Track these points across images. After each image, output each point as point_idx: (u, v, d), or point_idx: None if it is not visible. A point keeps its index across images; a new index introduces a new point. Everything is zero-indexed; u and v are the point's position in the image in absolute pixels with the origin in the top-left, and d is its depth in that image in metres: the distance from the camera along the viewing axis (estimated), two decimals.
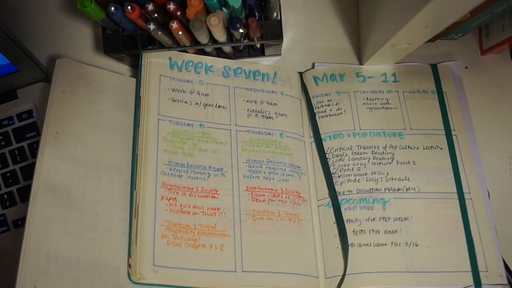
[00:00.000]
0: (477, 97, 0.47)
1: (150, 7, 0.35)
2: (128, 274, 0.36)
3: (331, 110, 0.44)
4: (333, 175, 0.42)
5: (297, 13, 0.48)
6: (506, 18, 0.43)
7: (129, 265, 0.36)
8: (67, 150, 0.38)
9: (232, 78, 0.44)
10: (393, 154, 0.42)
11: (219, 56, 0.47)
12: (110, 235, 0.37)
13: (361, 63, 0.47)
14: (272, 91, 0.44)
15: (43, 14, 0.48)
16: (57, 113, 0.39)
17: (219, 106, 0.43)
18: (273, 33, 0.40)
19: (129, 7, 0.35)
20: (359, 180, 0.42)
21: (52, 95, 0.39)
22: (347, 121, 0.43)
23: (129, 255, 0.37)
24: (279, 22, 0.40)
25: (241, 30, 0.38)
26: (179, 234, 0.37)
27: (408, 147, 0.43)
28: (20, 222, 0.45)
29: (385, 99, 0.44)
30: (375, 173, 0.42)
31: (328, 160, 0.42)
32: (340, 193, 0.41)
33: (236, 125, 0.42)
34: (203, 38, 0.39)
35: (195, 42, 0.40)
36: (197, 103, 0.42)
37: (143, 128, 0.40)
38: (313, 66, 0.46)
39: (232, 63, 0.44)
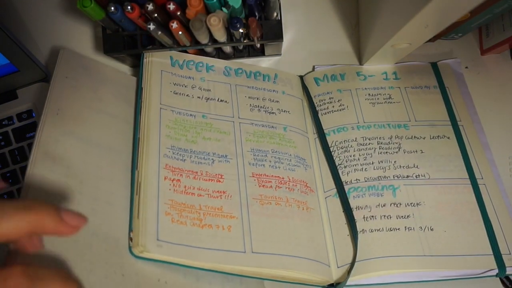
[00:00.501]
0: (477, 97, 0.47)
1: (150, 7, 0.35)
2: (130, 248, 0.34)
3: (333, 106, 0.44)
4: (339, 166, 0.42)
5: (297, 13, 0.48)
6: (506, 18, 0.43)
7: (131, 239, 0.34)
8: (68, 126, 0.37)
9: (233, 77, 0.44)
10: (400, 144, 0.42)
11: (219, 56, 0.47)
12: (110, 209, 0.35)
13: (361, 63, 0.47)
14: (274, 90, 0.44)
15: (43, 14, 0.48)
16: (59, 94, 0.38)
17: (221, 100, 0.42)
18: (273, 33, 0.40)
19: (129, 7, 0.35)
20: (366, 169, 0.41)
21: (55, 78, 0.38)
22: (350, 116, 0.43)
23: (131, 229, 0.35)
24: (279, 22, 0.40)
25: (241, 30, 0.38)
26: (184, 213, 0.36)
27: (415, 137, 0.43)
28: None
29: (387, 94, 0.44)
30: (382, 162, 0.42)
31: (333, 153, 0.42)
32: (348, 182, 0.41)
33: (239, 117, 0.42)
34: (203, 38, 0.39)
35: (195, 42, 0.40)
36: (199, 97, 0.42)
37: (145, 115, 0.39)
38: (313, 69, 0.47)
39: (232, 64, 0.44)
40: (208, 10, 0.37)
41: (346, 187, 0.41)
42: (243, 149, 0.41)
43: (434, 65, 0.46)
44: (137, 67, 0.47)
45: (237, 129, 0.41)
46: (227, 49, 0.45)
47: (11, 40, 0.40)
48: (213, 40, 0.40)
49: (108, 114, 0.40)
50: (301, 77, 0.46)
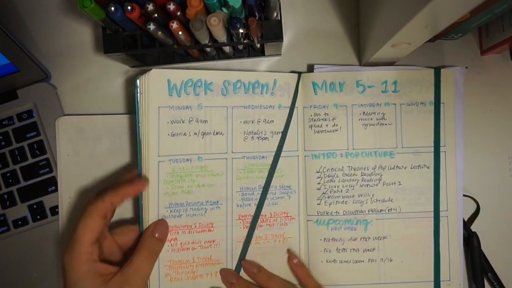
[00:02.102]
0: (477, 97, 0.47)
1: (150, 7, 0.35)
2: None
3: (327, 125, 0.44)
4: (323, 195, 0.43)
5: (297, 13, 0.48)
6: (506, 18, 0.43)
7: None
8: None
9: (231, 95, 0.43)
10: (381, 176, 0.44)
11: (219, 56, 0.47)
12: None
13: (361, 64, 0.47)
14: (270, 106, 0.44)
15: (43, 14, 0.48)
16: (66, 176, 0.45)
17: (216, 133, 0.43)
18: (273, 33, 0.40)
19: (129, 7, 0.35)
20: (346, 202, 0.43)
21: (60, 160, 0.45)
22: (342, 140, 0.44)
23: None
24: (279, 22, 0.40)
25: (241, 30, 0.38)
26: (180, 270, 0.41)
27: (397, 167, 0.44)
28: (20, 222, 0.45)
29: (382, 113, 0.44)
30: (361, 195, 0.44)
31: (319, 179, 0.43)
32: (328, 213, 0.43)
33: (232, 152, 0.43)
34: (203, 38, 0.39)
35: (195, 42, 0.40)
36: (195, 133, 0.42)
37: (146, 175, 0.41)
38: (312, 69, 0.46)
39: (232, 76, 0.43)
40: (208, 10, 0.37)
41: (326, 218, 0.43)
42: (233, 191, 0.43)
43: (437, 72, 0.45)
44: (137, 67, 0.47)
45: (230, 167, 0.43)
46: (227, 49, 0.45)
47: (11, 40, 0.40)
48: (213, 40, 0.40)
49: (106, 178, 0.45)
50: (299, 75, 0.45)
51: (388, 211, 0.43)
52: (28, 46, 0.45)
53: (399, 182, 0.44)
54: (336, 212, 0.43)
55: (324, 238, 0.43)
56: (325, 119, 0.44)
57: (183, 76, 0.42)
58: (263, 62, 0.48)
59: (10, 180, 0.45)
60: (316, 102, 0.44)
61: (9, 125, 0.46)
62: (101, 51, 0.43)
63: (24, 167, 0.45)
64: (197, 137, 0.42)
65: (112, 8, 0.35)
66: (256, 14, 0.38)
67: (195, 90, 0.42)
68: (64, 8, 0.48)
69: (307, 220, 0.43)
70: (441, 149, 0.44)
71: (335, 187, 0.43)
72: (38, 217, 0.45)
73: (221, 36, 0.38)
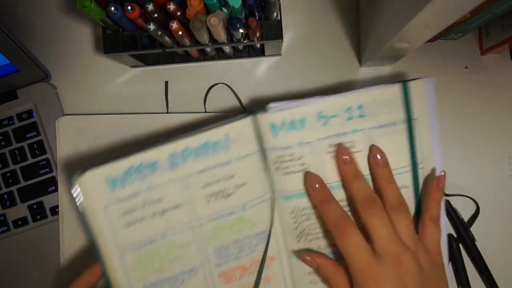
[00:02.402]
0: (477, 97, 0.47)
1: (150, 7, 0.35)
2: None
3: (294, 166, 0.40)
4: (301, 233, 0.41)
5: (297, 13, 0.48)
6: (506, 18, 0.43)
7: None
8: None
9: (181, 166, 0.39)
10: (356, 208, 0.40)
11: (219, 56, 0.47)
12: None
13: (360, 64, 0.47)
14: (227, 161, 0.40)
15: (43, 14, 0.48)
16: (66, 177, 0.45)
17: (176, 207, 0.39)
18: (273, 33, 0.40)
19: (129, 7, 0.35)
20: (327, 235, 0.41)
21: (60, 160, 0.45)
22: None
23: None
24: (279, 22, 0.40)
25: (241, 30, 0.38)
26: None
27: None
28: (20, 222, 0.45)
29: (350, 142, 0.40)
30: None
31: (294, 219, 0.41)
32: (310, 249, 0.41)
33: (197, 219, 0.40)
34: (203, 39, 0.39)
35: (195, 42, 0.40)
36: (153, 215, 0.39)
37: (109, 270, 0.38)
38: (267, 108, 0.40)
39: (177, 146, 0.39)
40: (208, 10, 0.37)
41: None
42: (207, 254, 0.40)
43: (405, 87, 0.39)
44: (137, 67, 0.47)
45: (198, 234, 0.40)
46: (227, 49, 0.45)
47: (11, 40, 0.40)
48: (213, 40, 0.40)
49: None
50: (255, 116, 0.40)
51: (367, 241, 0.41)
52: (28, 46, 0.45)
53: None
54: (318, 246, 0.41)
55: (309, 272, 0.41)
56: (291, 160, 0.40)
57: (122, 167, 0.38)
58: (263, 62, 0.48)
59: (10, 180, 0.45)
60: (278, 144, 0.39)
61: (9, 125, 0.46)
62: (101, 51, 0.43)
63: (24, 167, 0.45)
64: (155, 218, 0.39)
65: (112, 8, 0.35)
66: (256, 14, 0.38)
67: (140, 174, 0.38)
68: (64, 8, 0.48)
69: (288, 257, 0.41)
70: (419, 166, 0.40)
71: (312, 224, 0.41)
72: (38, 217, 0.45)
73: (221, 36, 0.38)
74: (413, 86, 0.39)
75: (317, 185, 0.38)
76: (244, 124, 0.40)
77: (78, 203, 0.37)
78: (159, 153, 0.38)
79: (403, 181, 0.40)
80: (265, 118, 0.39)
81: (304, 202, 0.40)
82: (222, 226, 0.40)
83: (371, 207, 0.36)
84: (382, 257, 0.34)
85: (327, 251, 0.41)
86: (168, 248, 0.40)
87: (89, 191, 0.37)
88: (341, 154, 0.39)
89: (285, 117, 0.39)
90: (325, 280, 0.39)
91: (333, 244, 0.40)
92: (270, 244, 0.41)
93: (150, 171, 0.38)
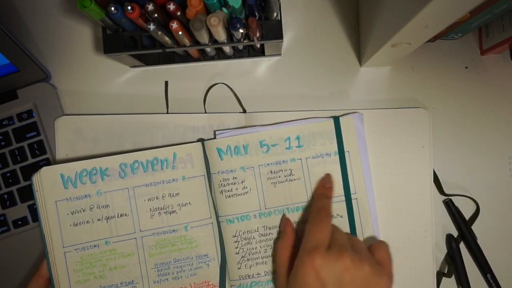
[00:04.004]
0: (477, 97, 0.47)
1: (150, 7, 0.35)
2: None
3: (236, 189, 0.43)
4: (242, 258, 0.43)
5: (297, 13, 0.48)
6: (506, 18, 0.43)
7: None
8: None
9: (129, 176, 0.43)
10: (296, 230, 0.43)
11: (219, 56, 0.47)
12: None
13: (361, 64, 0.47)
14: (173, 179, 0.43)
15: (43, 14, 0.48)
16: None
17: (121, 215, 0.43)
18: (273, 33, 0.40)
19: (129, 7, 0.35)
20: (266, 262, 0.43)
21: (59, 160, 0.45)
22: (253, 201, 0.43)
23: None
24: (279, 22, 0.40)
25: (241, 30, 0.38)
26: None
27: None
28: (20, 222, 0.45)
29: (289, 170, 0.43)
30: None
31: (236, 243, 0.43)
32: (250, 276, 0.43)
33: (140, 231, 0.43)
34: (203, 38, 0.39)
35: (195, 42, 0.40)
36: (99, 219, 0.43)
37: (54, 266, 0.42)
38: (214, 135, 0.44)
39: (128, 158, 0.43)
40: (208, 10, 0.37)
41: (249, 281, 0.43)
42: (147, 268, 0.43)
43: (336, 122, 0.44)
44: (137, 67, 0.47)
45: (140, 246, 0.43)
46: (227, 49, 0.45)
47: (12, 40, 0.40)
48: (213, 40, 0.40)
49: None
50: (203, 143, 0.44)
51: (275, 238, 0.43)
52: (28, 46, 0.45)
53: None
54: (258, 273, 0.43)
55: None
56: (234, 183, 0.43)
57: (76, 168, 0.43)
58: (263, 62, 0.48)
59: (10, 180, 0.45)
60: (223, 168, 0.43)
61: (9, 125, 0.46)
62: (101, 51, 0.43)
63: (24, 167, 0.45)
64: (101, 222, 0.43)
65: (112, 8, 0.35)
66: (256, 14, 0.38)
67: (91, 178, 0.43)
68: (64, 8, 0.48)
69: (231, 286, 0.43)
70: (352, 196, 0.43)
71: (253, 249, 0.43)
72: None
73: (221, 36, 0.38)
74: (343, 121, 0.44)
75: (327, 185, 0.43)
76: (192, 147, 0.44)
77: (35, 196, 0.42)
78: (112, 162, 0.43)
79: (338, 210, 0.43)
80: (212, 143, 0.44)
81: (246, 225, 0.43)
82: (164, 242, 0.43)
83: (320, 214, 0.40)
84: (331, 249, 0.36)
85: (266, 278, 0.43)
86: (110, 256, 0.43)
87: (44, 184, 0.42)
88: (326, 182, 0.43)
89: (231, 143, 0.44)
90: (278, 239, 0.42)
91: (272, 271, 0.43)
92: (211, 272, 0.43)
93: (101, 177, 0.43)
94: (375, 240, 0.41)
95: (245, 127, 0.45)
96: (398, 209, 0.45)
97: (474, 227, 0.46)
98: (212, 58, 0.47)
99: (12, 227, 0.45)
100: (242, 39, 0.40)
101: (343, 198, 0.43)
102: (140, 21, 0.37)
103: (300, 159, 0.44)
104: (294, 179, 0.44)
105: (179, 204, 0.43)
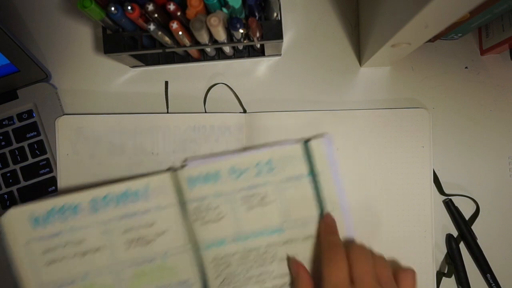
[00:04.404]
0: (477, 97, 0.47)
1: (150, 7, 0.35)
2: None
3: (211, 215, 0.43)
4: (222, 283, 0.43)
5: (297, 13, 0.48)
6: (506, 18, 0.43)
7: None
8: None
9: (102, 211, 0.43)
10: (275, 252, 0.43)
11: (219, 56, 0.47)
12: None
13: (360, 64, 0.47)
14: (147, 210, 0.43)
15: (43, 14, 0.48)
16: (66, 176, 0.45)
17: (97, 250, 0.42)
18: (273, 33, 0.40)
19: (129, 7, 0.35)
20: (247, 284, 0.43)
21: (59, 159, 0.45)
22: (228, 227, 0.43)
23: None
24: (279, 22, 0.40)
25: (241, 31, 0.38)
26: None
27: (289, 240, 0.43)
28: None
29: (262, 194, 0.44)
30: (261, 275, 0.43)
31: (215, 270, 0.43)
32: None
33: (118, 263, 0.42)
34: (203, 38, 0.39)
35: (195, 42, 0.40)
36: (74, 255, 0.42)
37: None
38: (185, 162, 0.45)
39: (98, 192, 0.42)
40: (208, 11, 0.37)
41: None
42: None
43: (306, 146, 0.44)
44: (137, 67, 0.47)
45: (118, 278, 0.42)
46: (227, 49, 0.45)
47: (12, 40, 0.40)
48: (213, 40, 0.40)
49: (105, 176, 0.45)
50: (174, 173, 0.43)
51: (289, 285, 0.43)
52: (28, 46, 0.45)
53: (296, 254, 0.43)
54: None
55: None
56: (207, 210, 0.43)
57: (46, 206, 0.42)
58: (263, 62, 0.48)
59: (10, 180, 0.45)
60: (195, 196, 0.43)
61: (9, 125, 0.46)
62: (101, 51, 0.43)
63: (24, 167, 0.45)
64: (76, 258, 0.42)
65: (112, 8, 0.35)
66: (256, 14, 0.38)
67: (62, 215, 0.42)
68: (64, 8, 0.48)
69: None
70: None
71: (233, 272, 0.43)
72: None
73: (221, 36, 0.38)
74: (313, 144, 0.44)
75: (330, 222, 0.43)
76: (163, 177, 0.43)
77: (6, 240, 0.41)
78: (82, 197, 0.42)
79: (312, 230, 0.43)
80: (183, 173, 0.43)
81: (224, 250, 0.43)
82: (143, 273, 0.43)
83: (358, 246, 0.40)
84: (356, 286, 0.36)
85: None
86: None
87: (12, 227, 0.41)
88: (327, 220, 0.43)
89: (201, 171, 0.43)
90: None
91: None
92: None
93: (72, 213, 0.42)
94: (402, 267, 0.40)
95: (216, 155, 0.45)
96: (398, 209, 0.45)
97: (474, 227, 0.46)
98: (212, 58, 0.47)
99: None
100: (242, 39, 0.40)
101: (317, 218, 0.43)
102: (140, 21, 0.37)
103: (272, 183, 0.44)
104: (268, 203, 0.43)
105: (155, 233, 0.43)
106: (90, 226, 0.42)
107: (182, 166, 0.44)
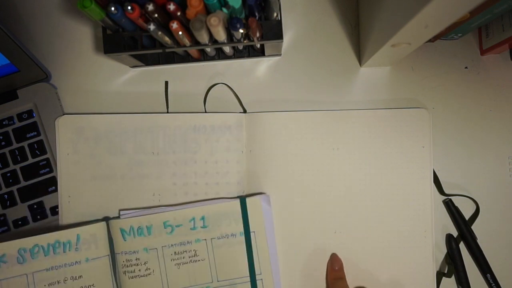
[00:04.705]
0: (477, 97, 0.47)
1: (150, 7, 0.35)
2: None
3: (139, 270, 0.43)
4: None
5: (297, 13, 0.48)
6: (506, 18, 0.43)
7: None
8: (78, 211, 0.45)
9: (29, 262, 0.42)
10: None
11: (219, 56, 0.47)
12: None
13: (360, 64, 0.47)
14: (76, 262, 0.43)
15: (43, 14, 0.48)
16: (66, 176, 0.45)
17: None
18: (273, 33, 0.40)
19: (129, 7, 0.35)
20: None
21: (59, 159, 0.45)
22: (156, 283, 0.43)
23: None
24: (279, 22, 0.40)
25: (241, 31, 0.38)
26: None
27: None
28: (20, 222, 0.45)
29: (193, 250, 0.44)
30: None
31: None
32: None
33: None
34: (203, 38, 0.39)
35: (195, 42, 0.40)
36: None
37: None
38: (119, 214, 0.44)
39: (27, 242, 0.42)
40: (208, 11, 0.37)
41: None
42: None
43: (243, 202, 0.44)
44: (136, 67, 0.47)
45: None
46: (227, 49, 0.45)
47: (12, 40, 0.40)
48: (213, 40, 0.40)
49: (105, 176, 0.45)
50: (107, 222, 0.44)
51: None
52: (28, 46, 0.45)
53: None
54: None
55: None
56: (137, 264, 0.43)
57: None
58: (263, 62, 0.48)
59: (10, 180, 0.45)
60: (126, 248, 0.43)
61: (9, 125, 0.46)
62: (101, 51, 0.43)
63: (24, 167, 0.45)
64: None
65: (112, 8, 0.35)
66: (256, 14, 0.38)
67: None
68: (64, 8, 0.48)
69: None
70: (257, 277, 0.43)
71: None
72: (38, 217, 0.45)
73: (221, 36, 0.38)
74: (250, 202, 0.44)
75: (336, 267, 0.43)
76: (96, 227, 0.43)
77: None
78: (9, 247, 0.42)
79: None
80: (116, 223, 0.43)
81: None
82: None
83: None
84: None
85: None
86: None
87: None
88: (335, 264, 0.44)
89: (133, 224, 0.43)
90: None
91: None
92: None
93: None
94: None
95: (151, 207, 0.45)
96: (398, 209, 0.45)
97: (474, 227, 0.46)
98: (212, 58, 0.47)
99: (12, 227, 0.45)
100: (242, 39, 0.40)
101: (248, 279, 0.43)
102: (140, 21, 0.37)
103: (205, 239, 0.44)
104: (199, 260, 0.43)
105: (82, 287, 0.43)
106: (15, 277, 0.42)
107: (116, 217, 0.44)
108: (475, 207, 0.46)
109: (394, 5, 0.35)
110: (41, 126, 0.46)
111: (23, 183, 0.45)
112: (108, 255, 0.43)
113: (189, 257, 0.43)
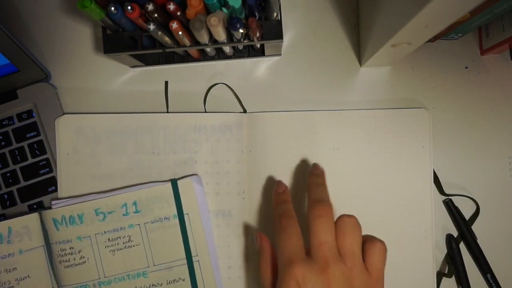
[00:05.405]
0: (477, 97, 0.47)
1: (150, 7, 0.35)
2: None
3: (74, 259, 0.43)
4: None
5: (297, 13, 0.48)
6: (506, 18, 0.43)
7: None
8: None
9: None
10: None
11: (219, 56, 0.47)
12: None
13: (361, 64, 0.47)
14: (9, 254, 0.43)
15: (43, 14, 0.48)
16: (66, 176, 0.45)
17: None
18: (273, 33, 0.40)
19: (129, 7, 0.35)
20: None
21: (59, 158, 0.45)
22: (92, 270, 0.43)
23: None
24: (279, 22, 0.40)
25: (241, 30, 0.38)
26: None
27: (152, 285, 0.43)
28: None
29: (127, 236, 0.43)
30: None
31: None
32: None
33: None
34: (203, 38, 0.39)
35: (195, 42, 0.40)
36: None
37: None
38: (50, 203, 0.44)
39: None
40: (208, 10, 0.37)
41: None
42: None
43: (174, 184, 0.44)
44: (136, 67, 0.47)
45: None
46: (227, 49, 0.45)
47: (11, 40, 0.40)
48: (213, 40, 0.40)
49: (105, 176, 0.45)
50: (40, 214, 0.43)
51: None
52: (28, 46, 0.45)
53: None
54: None
55: None
56: (71, 253, 0.43)
57: None
58: (263, 62, 0.48)
59: (10, 180, 0.45)
60: (59, 238, 0.43)
61: (9, 125, 0.46)
62: (101, 51, 0.43)
63: (24, 167, 0.45)
64: None
65: (112, 8, 0.35)
66: (256, 14, 0.38)
67: None
68: (64, 8, 0.48)
69: None
70: (194, 259, 0.43)
71: None
72: None
73: (221, 36, 0.38)
74: (182, 184, 0.43)
75: (280, 191, 0.40)
76: (29, 219, 0.43)
77: None
78: None
79: (180, 274, 0.43)
80: (48, 214, 0.43)
81: None
82: None
83: (318, 208, 0.35)
84: (311, 260, 0.33)
85: None
86: None
87: None
88: (315, 170, 0.41)
89: (65, 213, 0.43)
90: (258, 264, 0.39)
91: None
92: None
93: None
94: (372, 238, 0.35)
95: (82, 195, 0.44)
96: (398, 209, 0.45)
97: (474, 227, 0.46)
98: (212, 58, 0.47)
99: None
100: (242, 39, 0.40)
101: (185, 261, 0.43)
102: (140, 21, 0.37)
103: (139, 224, 0.43)
104: (133, 245, 0.43)
105: (17, 279, 0.43)
106: None
107: (48, 207, 0.44)
108: (475, 207, 0.46)
109: (394, 5, 0.35)
110: (41, 126, 0.46)
111: (23, 183, 0.45)
112: (43, 245, 0.43)
113: (123, 243, 0.43)
